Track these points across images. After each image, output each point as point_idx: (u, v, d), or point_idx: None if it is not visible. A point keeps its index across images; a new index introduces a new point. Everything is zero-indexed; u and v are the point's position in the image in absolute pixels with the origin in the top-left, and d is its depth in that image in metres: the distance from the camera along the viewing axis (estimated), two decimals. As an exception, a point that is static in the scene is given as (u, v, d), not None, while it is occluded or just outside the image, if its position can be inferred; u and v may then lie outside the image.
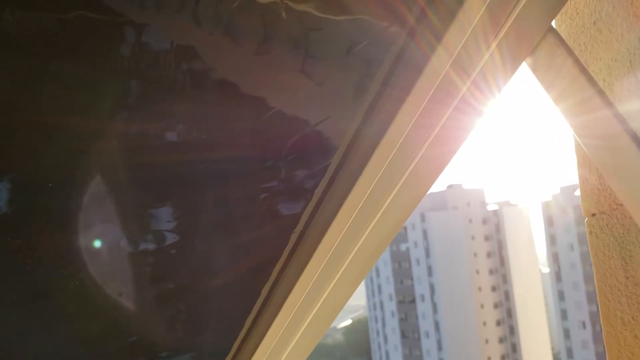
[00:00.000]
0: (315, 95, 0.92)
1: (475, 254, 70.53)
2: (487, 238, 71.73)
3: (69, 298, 1.10)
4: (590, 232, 1.09)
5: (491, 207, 74.01)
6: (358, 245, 1.22)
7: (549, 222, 62.10)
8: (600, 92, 0.90)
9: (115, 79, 0.78)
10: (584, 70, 0.92)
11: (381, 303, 76.71)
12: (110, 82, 0.78)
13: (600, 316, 1.10)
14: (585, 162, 1.10)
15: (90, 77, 0.77)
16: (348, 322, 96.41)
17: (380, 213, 1.15)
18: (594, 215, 1.08)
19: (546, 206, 62.99)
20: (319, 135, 1.00)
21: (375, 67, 0.91)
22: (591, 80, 0.91)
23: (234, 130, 0.95)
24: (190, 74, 0.81)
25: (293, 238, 1.19)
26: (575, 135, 0.98)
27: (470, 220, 70.92)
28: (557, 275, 61.65)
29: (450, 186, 73.09)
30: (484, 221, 72.02)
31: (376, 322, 77.84)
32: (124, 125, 0.85)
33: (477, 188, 75.36)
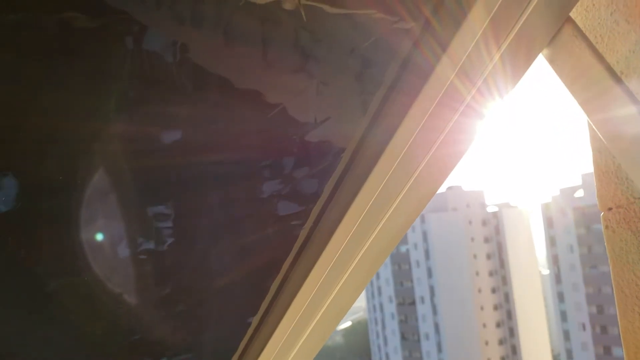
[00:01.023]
0: (324, 98, 0.93)
1: (475, 256, 70.54)
2: (486, 240, 71.76)
3: (75, 298, 1.10)
4: (607, 227, 1.08)
5: (491, 209, 74.08)
6: (365, 248, 1.21)
7: (549, 223, 62.13)
8: (620, 83, 0.88)
9: (119, 81, 0.77)
10: (602, 61, 0.90)
11: (381, 305, 76.69)
12: (113, 85, 0.78)
13: (617, 312, 1.08)
14: (601, 154, 1.08)
15: (93, 79, 0.76)
16: (348, 324, 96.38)
17: (387, 216, 1.15)
18: (610, 209, 1.07)
19: (546, 208, 63.04)
20: (327, 137, 1.00)
21: (382, 72, 0.91)
22: (610, 71, 0.90)
23: (244, 131, 0.96)
24: (203, 76, 0.81)
25: (300, 239, 1.18)
26: (593, 126, 0.96)
27: (470, 222, 70.96)
28: (557, 277, 61.68)
29: (450, 188, 73.13)
30: (484, 223, 72.06)
31: (376, 324, 77.82)
32: (132, 127, 0.85)
33: (477, 190, 75.42)
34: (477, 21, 0.88)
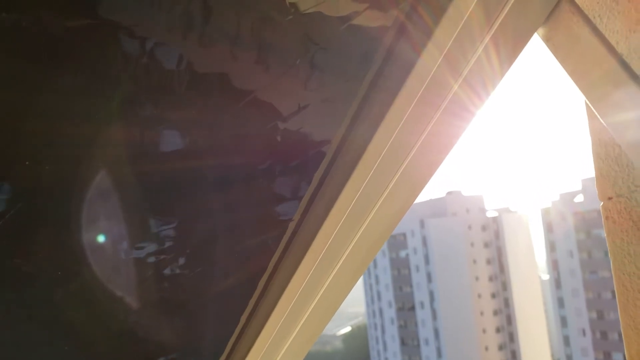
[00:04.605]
0: (302, 96, 0.92)
1: (474, 261, 70.46)
2: (486, 245, 71.69)
3: (66, 300, 1.08)
4: (607, 217, 1.02)
5: (490, 214, 74.08)
6: (349, 249, 1.18)
7: (549, 228, 62.12)
8: (622, 62, 0.86)
9: (115, 85, 0.78)
10: (603, 39, 0.86)
11: (380, 310, 76.58)
12: (109, 89, 0.78)
13: (618, 307, 1.02)
14: (601, 141, 1.03)
15: (90, 84, 0.77)
16: (347, 329, 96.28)
17: (370, 216, 1.12)
18: (610, 198, 1.01)
19: (545, 213, 63.04)
20: (306, 138, 0.99)
21: (364, 65, 0.90)
22: (611, 50, 0.86)
23: (225, 134, 0.96)
24: (177, 78, 0.81)
25: (283, 242, 1.16)
26: (593, 109, 0.93)
27: (470, 227, 70.91)
28: (557, 282, 61.62)
29: (449, 193, 73.18)
30: (484, 228, 72.02)
31: (375, 329, 77.67)
32: (120, 132, 0.85)
33: (477, 194, 75.45)
34: (464, 3, 0.85)
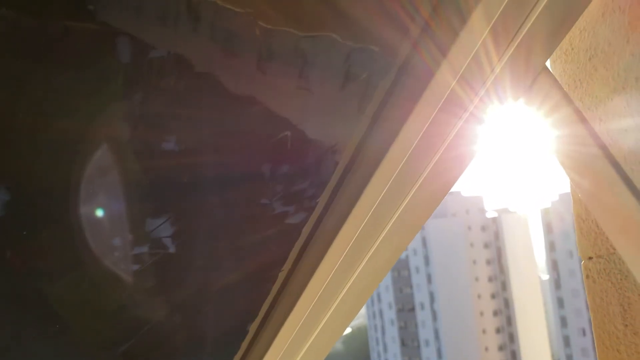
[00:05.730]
0: (318, 106, 0.91)
1: (474, 262, 70.47)
2: (486, 245, 71.70)
3: (73, 303, 1.09)
4: (587, 276, 1.05)
5: (490, 215, 74.08)
6: (364, 262, 1.18)
7: (548, 229, 62.14)
8: (593, 134, 0.85)
9: (113, 86, 0.78)
10: (578, 113, 0.87)
11: (381, 311, 76.58)
12: (107, 90, 0.78)
13: (598, 364, 1.05)
14: (581, 203, 1.05)
15: (88, 84, 0.76)
16: (347, 330, 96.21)
17: (386, 230, 1.12)
18: (590, 258, 1.04)
19: (545, 213, 63.05)
20: (319, 149, 0.98)
21: (379, 79, 0.89)
22: (588, 127, 0.87)
23: (235, 140, 0.94)
24: (192, 84, 0.81)
25: (296, 249, 1.15)
26: (568, 177, 0.95)
27: (469, 228, 70.92)
28: (557, 283, 61.62)
29: (449, 193, 73.06)
30: (483, 228, 72.03)
31: (376, 330, 77.68)
32: (119, 132, 0.85)
33: (476, 195, 75.45)
34: (475, 32, 0.82)
